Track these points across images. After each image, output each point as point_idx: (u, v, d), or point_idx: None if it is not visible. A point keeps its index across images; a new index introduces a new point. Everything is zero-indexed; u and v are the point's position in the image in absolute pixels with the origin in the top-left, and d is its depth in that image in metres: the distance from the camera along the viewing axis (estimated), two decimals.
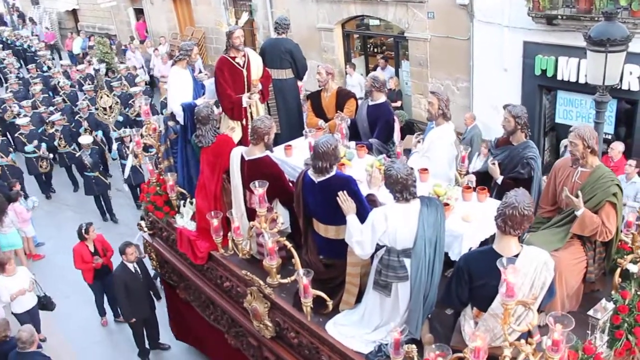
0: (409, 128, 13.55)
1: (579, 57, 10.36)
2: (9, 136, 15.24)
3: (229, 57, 7.65)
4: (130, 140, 12.26)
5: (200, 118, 6.55)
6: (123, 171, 12.84)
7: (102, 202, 13.28)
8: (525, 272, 4.22)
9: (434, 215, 4.85)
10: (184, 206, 7.37)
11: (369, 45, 16.27)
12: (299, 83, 8.56)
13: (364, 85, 7.61)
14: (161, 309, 9.31)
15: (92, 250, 9.32)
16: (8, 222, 11.24)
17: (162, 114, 13.74)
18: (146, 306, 8.94)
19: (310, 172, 5.45)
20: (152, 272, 9.29)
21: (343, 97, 8.03)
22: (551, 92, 11.70)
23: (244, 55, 7.70)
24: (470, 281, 4.47)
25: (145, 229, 8.17)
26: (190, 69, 7.64)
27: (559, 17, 10.69)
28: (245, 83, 7.68)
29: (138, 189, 12.80)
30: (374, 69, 15.46)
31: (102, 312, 10.04)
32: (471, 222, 5.39)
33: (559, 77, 11.07)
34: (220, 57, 7.75)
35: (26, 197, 12.95)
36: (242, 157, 6.11)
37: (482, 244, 5.37)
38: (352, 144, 7.07)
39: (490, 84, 12.45)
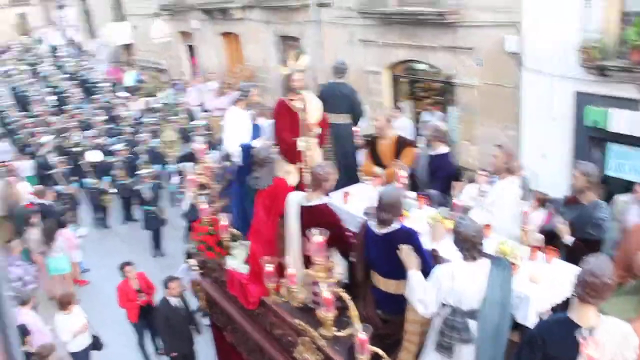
0: (455, 176, 13.17)
1: (632, 109, 9.93)
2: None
3: (287, 100, 7.46)
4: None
5: (259, 160, 6.32)
6: (182, 205, 12.65)
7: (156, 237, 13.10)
8: (605, 346, 3.84)
9: (503, 276, 4.55)
10: (237, 248, 7.11)
11: (416, 90, 15.97)
12: (355, 128, 8.35)
13: (425, 135, 7.36)
14: (200, 344, 9.06)
15: (137, 288, 9.11)
16: (57, 247, 11.21)
17: (216, 150, 13.70)
18: (187, 341, 8.73)
19: (372, 224, 5.20)
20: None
21: (402, 144, 7.81)
22: (603, 144, 11.23)
23: (303, 99, 7.49)
24: (544, 351, 4.06)
25: (195, 268, 7.91)
26: (249, 111, 7.44)
27: (611, 68, 10.30)
28: (303, 126, 7.45)
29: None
30: (421, 113, 15.17)
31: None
32: (539, 284, 5.01)
33: (611, 129, 10.62)
34: (278, 100, 7.57)
35: (76, 225, 12.90)
36: (300, 203, 5.86)
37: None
38: (412, 194, 6.80)
39: (539, 133, 12.03)
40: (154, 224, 12.79)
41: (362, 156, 8.39)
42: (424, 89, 16.07)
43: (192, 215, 12.06)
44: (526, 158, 12.13)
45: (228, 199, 7.47)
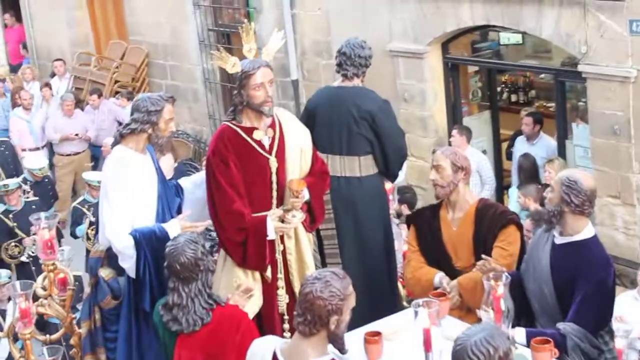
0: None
1: None
2: None
3: (239, 128, 7.42)
4: (9, 300, 12.01)
5: (178, 267, 6.24)
6: None
7: None
8: None
9: None
10: None
11: (500, 89, 16.13)
12: (388, 185, 8.34)
13: (548, 194, 7.18)
14: None
15: None
16: None
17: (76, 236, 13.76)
18: None
19: None
20: None
21: (490, 221, 7.68)
22: None
23: (274, 126, 7.46)
24: None
25: None
26: (151, 152, 7.42)
27: None
28: (275, 186, 7.47)
29: None
30: (513, 137, 15.23)
31: None
32: None
33: None
34: (220, 127, 7.59)
35: None
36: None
37: None
38: (520, 333, 6.63)
39: None
40: None
41: (402, 246, 8.34)
42: (515, 88, 16.13)
43: None
44: None
45: (106, 352, 7.47)
